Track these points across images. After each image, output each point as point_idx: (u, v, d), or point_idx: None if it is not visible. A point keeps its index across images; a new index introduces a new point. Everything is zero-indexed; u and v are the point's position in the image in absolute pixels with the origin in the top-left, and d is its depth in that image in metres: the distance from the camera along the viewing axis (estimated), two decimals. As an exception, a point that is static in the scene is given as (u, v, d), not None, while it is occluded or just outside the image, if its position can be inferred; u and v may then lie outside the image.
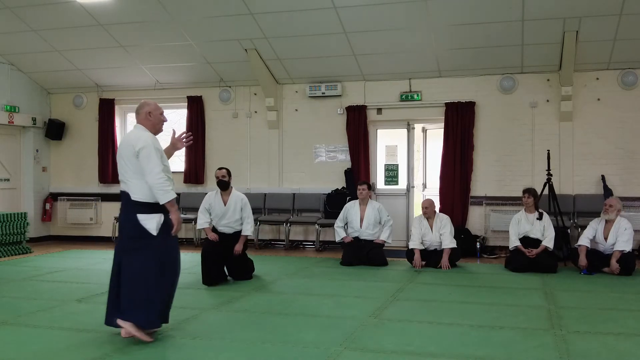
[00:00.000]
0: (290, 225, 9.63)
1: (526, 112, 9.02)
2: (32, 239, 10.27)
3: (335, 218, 8.24)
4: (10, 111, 10.17)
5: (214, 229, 6.80)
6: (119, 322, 4.14)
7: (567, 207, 8.55)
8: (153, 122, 4.39)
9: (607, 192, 8.42)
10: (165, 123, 4.53)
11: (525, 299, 5.68)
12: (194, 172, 10.25)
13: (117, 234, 10.05)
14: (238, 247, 6.61)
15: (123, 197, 4.30)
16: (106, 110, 10.77)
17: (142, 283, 4.15)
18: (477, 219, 9.18)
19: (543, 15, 7.72)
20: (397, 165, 9.81)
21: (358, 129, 9.54)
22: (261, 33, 8.66)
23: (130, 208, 4.22)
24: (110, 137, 10.70)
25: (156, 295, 4.20)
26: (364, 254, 7.75)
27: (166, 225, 4.26)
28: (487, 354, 3.90)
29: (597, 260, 7.10)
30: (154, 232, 4.19)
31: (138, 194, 4.21)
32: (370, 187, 8.30)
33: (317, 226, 9.43)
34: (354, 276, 7.02)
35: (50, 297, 5.81)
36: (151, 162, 4.14)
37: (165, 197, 4.16)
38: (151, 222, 4.19)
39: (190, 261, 8.21)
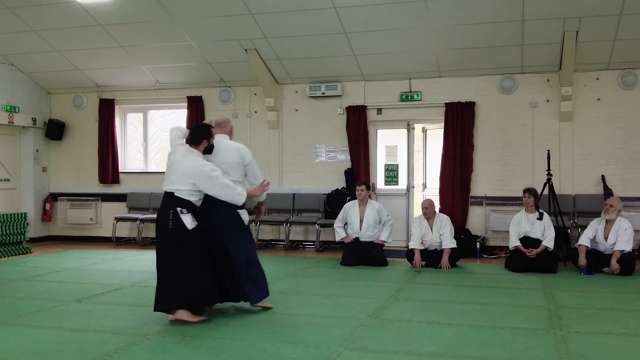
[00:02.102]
0: (290, 226, 9.63)
1: (526, 112, 9.02)
2: (32, 239, 10.26)
3: (335, 218, 8.24)
4: (10, 111, 10.17)
5: None
6: (261, 303, 5.10)
7: (567, 207, 8.55)
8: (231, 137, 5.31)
9: (607, 192, 8.42)
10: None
11: (525, 299, 5.68)
12: (194, 172, 10.24)
13: (114, 234, 9.97)
14: None
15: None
16: (106, 110, 10.76)
17: (257, 262, 5.13)
18: (477, 219, 9.18)
19: (543, 15, 7.72)
20: (397, 165, 9.81)
21: (358, 129, 9.54)
22: (261, 33, 8.66)
23: (232, 205, 4.95)
24: (110, 137, 10.70)
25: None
26: (364, 254, 7.75)
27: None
28: (487, 354, 3.90)
29: (597, 260, 7.10)
30: (247, 223, 5.12)
31: None
32: (369, 187, 8.28)
33: (317, 226, 9.43)
34: (354, 276, 7.02)
35: (50, 297, 5.81)
36: (258, 170, 5.26)
37: (264, 195, 5.36)
38: (245, 215, 5.11)
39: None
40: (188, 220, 4.74)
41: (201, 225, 4.85)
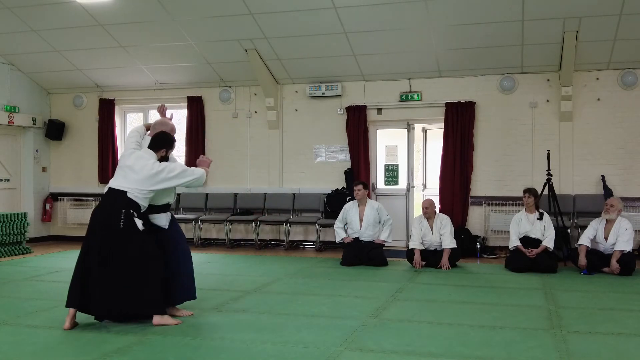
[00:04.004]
0: (290, 226, 9.62)
1: (526, 112, 9.02)
2: (32, 239, 10.26)
3: (335, 218, 8.24)
4: (10, 111, 10.17)
5: None
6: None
7: (567, 207, 8.55)
8: None
9: (607, 192, 8.42)
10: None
11: (525, 299, 5.68)
12: (194, 172, 10.23)
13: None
14: None
15: None
16: (106, 110, 10.76)
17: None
18: (477, 219, 9.18)
19: (543, 15, 7.72)
20: (397, 165, 9.81)
21: (358, 129, 9.54)
22: (261, 33, 8.66)
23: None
24: (110, 137, 10.70)
25: None
26: (364, 254, 7.75)
27: None
28: (487, 354, 3.90)
29: (597, 260, 7.10)
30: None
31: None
32: (366, 187, 8.25)
33: (317, 226, 9.43)
34: (354, 276, 7.02)
35: (50, 297, 5.80)
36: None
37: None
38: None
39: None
40: (139, 223, 4.63)
41: (150, 228, 4.75)
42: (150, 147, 4.85)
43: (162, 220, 4.96)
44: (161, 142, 4.89)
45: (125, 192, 4.63)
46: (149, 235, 4.72)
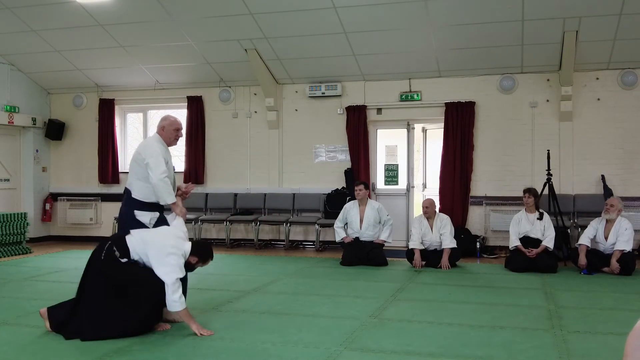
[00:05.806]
0: (290, 225, 9.62)
1: (526, 112, 9.02)
2: (32, 239, 10.26)
3: (335, 218, 8.24)
4: (10, 111, 10.17)
5: None
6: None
7: (567, 207, 8.55)
8: (166, 135, 5.07)
9: (607, 192, 8.43)
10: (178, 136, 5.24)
11: (525, 299, 5.68)
12: (194, 172, 10.25)
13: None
14: None
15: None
16: (106, 110, 10.76)
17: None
18: (477, 219, 9.18)
19: (543, 15, 7.72)
20: (397, 165, 9.82)
21: (358, 129, 9.55)
22: (261, 33, 8.66)
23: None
24: (110, 137, 10.70)
25: None
26: (364, 254, 7.75)
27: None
28: (487, 354, 3.90)
29: (597, 260, 7.10)
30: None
31: (138, 194, 4.81)
32: (368, 187, 8.26)
33: (317, 226, 9.43)
34: (354, 276, 7.02)
35: (50, 297, 5.79)
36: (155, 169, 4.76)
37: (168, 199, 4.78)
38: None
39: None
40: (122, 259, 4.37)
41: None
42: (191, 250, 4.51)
43: (145, 217, 4.77)
44: (203, 251, 4.57)
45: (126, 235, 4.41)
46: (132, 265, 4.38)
